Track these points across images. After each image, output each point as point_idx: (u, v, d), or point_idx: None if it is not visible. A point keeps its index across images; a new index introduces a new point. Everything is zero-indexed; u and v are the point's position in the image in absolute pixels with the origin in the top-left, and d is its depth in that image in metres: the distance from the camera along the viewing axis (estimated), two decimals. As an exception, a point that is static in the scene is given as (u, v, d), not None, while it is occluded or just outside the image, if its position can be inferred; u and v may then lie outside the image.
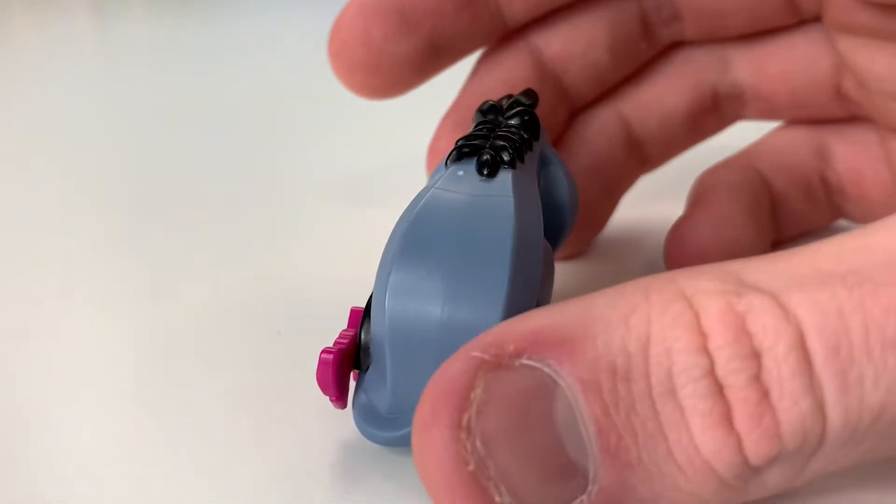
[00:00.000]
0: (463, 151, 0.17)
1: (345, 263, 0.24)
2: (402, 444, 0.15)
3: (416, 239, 0.15)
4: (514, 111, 0.19)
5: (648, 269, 0.24)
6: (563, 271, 0.24)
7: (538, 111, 0.19)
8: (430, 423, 0.12)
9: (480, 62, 0.23)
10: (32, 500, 0.15)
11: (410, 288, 0.14)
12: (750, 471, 0.12)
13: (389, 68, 0.21)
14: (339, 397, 0.16)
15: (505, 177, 0.16)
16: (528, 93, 0.20)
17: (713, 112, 0.24)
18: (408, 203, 0.16)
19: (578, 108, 0.24)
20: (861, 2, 0.20)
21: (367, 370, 0.16)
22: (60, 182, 0.34)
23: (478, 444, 0.12)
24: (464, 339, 0.14)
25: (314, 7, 0.79)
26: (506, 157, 0.17)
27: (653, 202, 0.28)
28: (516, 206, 0.15)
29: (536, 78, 0.22)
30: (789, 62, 0.23)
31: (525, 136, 0.18)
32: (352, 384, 0.16)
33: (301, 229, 0.29)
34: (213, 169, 0.36)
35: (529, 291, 0.15)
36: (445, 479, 0.12)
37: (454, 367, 0.12)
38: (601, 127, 0.24)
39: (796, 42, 0.23)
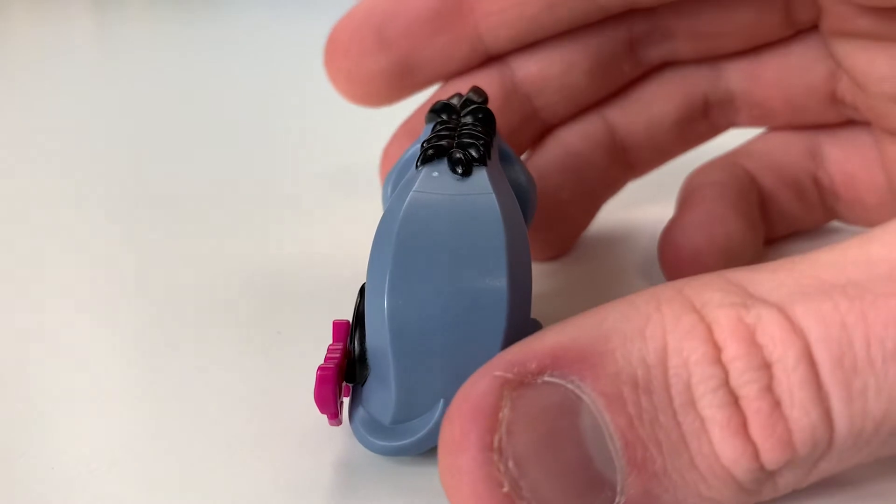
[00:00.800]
0: (429, 154, 0.17)
1: (346, 263, 0.24)
2: (412, 452, 0.15)
3: (408, 244, 0.15)
4: (469, 109, 0.19)
5: (634, 270, 0.24)
6: (548, 272, 0.24)
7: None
8: (460, 445, 0.12)
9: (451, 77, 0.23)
10: (32, 500, 0.15)
11: (409, 294, 0.14)
12: (765, 475, 0.12)
13: (366, 81, 0.22)
14: (337, 414, 0.15)
15: (480, 174, 0.16)
16: (477, 90, 0.20)
17: (704, 119, 0.24)
18: None
19: (553, 125, 0.24)
20: (860, 7, 0.20)
21: (363, 383, 0.16)
22: (60, 180, 0.34)
23: (510, 464, 0.12)
24: (469, 343, 0.14)
25: (311, 7, 0.79)
26: (476, 155, 0.17)
27: (639, 203, 0.28)
28: (499, 202, 0.15)
29: (501, 96, 0.22)
30: (783, 69, 0.23)
31: (487, 132, 0.18)
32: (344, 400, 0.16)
33: (302, 229, 0.29)
34: (212, 168, 0.36)
35: (526, 283, 0.15)
36: (479, 502, 0.12)
37: (479, 388, 0.12)
38: (582, 130, 0.24)
39: (790, 50, 0.23)
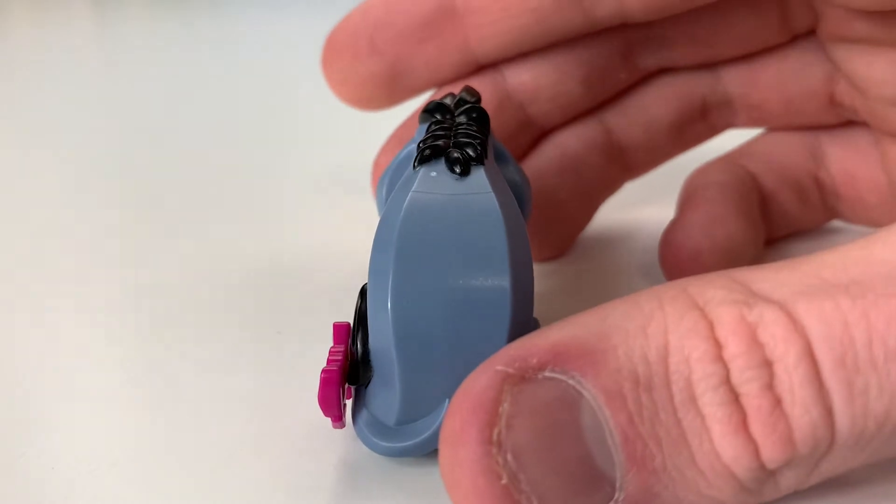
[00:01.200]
0: (426, 154, 0.17)
1: (346, 263, 0.24)
2: (416, 453, 0.15)
3: (410, 245, 0.14)
4: (463, 108, 0.19)
5: (634, 270, 0.24)
6: (547, 272, 0.24)
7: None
8: (460, 438, 0.12)
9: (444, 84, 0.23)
10: (32, 500, 0.15)
11: (413, 295, 0.14)
12: (766, 474, 0.12)
13: (359, 84, 0.23)
14: (341, 416, 0.15)
15: (478, 173, 0.16)
16: (470, 90, 0.20)
17: (702, 121, 0.24)
18: None
19: (550, 130, 0.24)
20: (857, 12, 0.20)
21: (367, 384, 0.16)
22: (60, 180, 0.34)
23: (509, 457, 0.12)
24: (473, 343, 0.14)
25: (312, 7, 0.79)
26: (474, 154, 0.17)
27: (639, 203, 0.28)
28: (499, 201, 0.15)
29: (495, 104, 0.22)
30: (781, 73, 0.23)
31: (482, 131, 0.18)
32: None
33: (302, 229, 0.29)
34: (213, 167, 0.36)
35: (528, 282, 0.15)
36: (478, 494, 0.12)
37: (480, 382, 0.13)
38: (579, 132, 0.24)
39: (788, 54, 0.23)
